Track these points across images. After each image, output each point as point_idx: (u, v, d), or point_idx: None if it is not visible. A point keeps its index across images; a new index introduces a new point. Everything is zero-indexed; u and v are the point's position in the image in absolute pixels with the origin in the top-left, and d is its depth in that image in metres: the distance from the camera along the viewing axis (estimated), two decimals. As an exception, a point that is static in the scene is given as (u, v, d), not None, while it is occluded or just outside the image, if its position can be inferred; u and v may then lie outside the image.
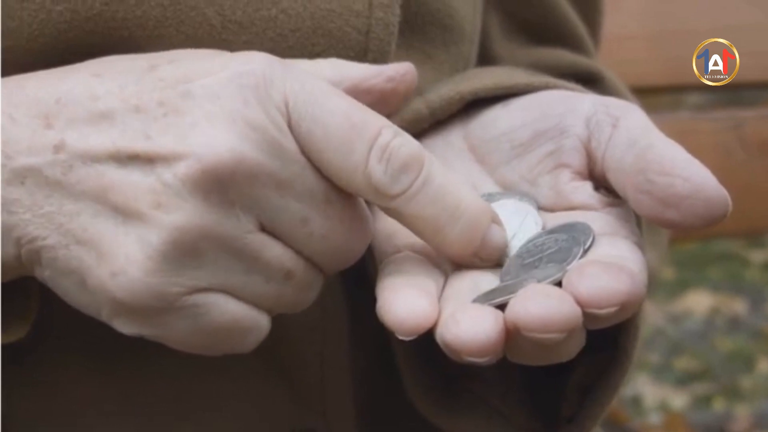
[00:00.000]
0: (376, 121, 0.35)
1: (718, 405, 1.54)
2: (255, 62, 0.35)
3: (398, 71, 0.39)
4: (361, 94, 0.38)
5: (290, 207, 0.35)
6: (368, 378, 0.46)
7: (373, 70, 0.39)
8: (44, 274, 0.35)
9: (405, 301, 0.34)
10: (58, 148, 0.34)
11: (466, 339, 0.32)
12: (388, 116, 0.37)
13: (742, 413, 1.51)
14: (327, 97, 0.35)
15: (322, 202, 0.35)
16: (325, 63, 0.40)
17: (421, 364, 0.41)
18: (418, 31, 0.46)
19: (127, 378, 0.43)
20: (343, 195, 0.36)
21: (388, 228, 0.39)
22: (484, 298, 0.34)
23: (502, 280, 0.36)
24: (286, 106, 0.35)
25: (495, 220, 0.37)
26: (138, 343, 0.41)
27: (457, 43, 0.47)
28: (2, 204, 0.34)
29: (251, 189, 0.34)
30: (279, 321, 0.38)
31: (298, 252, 0.36)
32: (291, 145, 0.35)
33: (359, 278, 0.41)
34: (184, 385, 0.43)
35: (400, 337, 0.34)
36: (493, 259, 0.37)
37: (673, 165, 0.34)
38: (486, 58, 0.52)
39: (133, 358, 0.42)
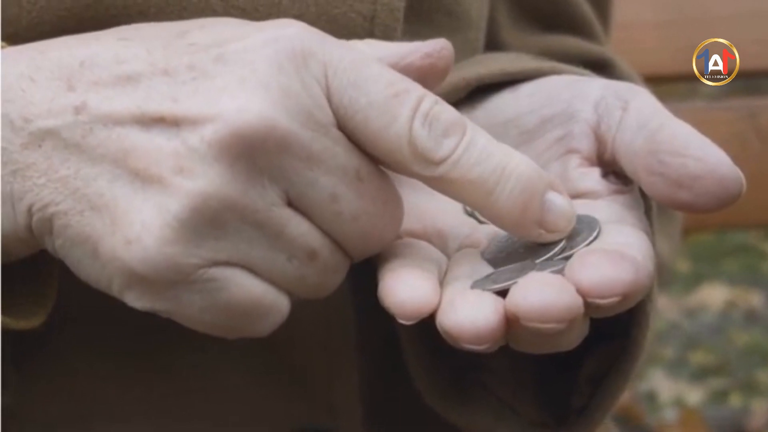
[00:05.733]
0: (417, 89, 0.34)
1: (735, 400, 1.54)
2: (292, 28, 0.34)
3: (435, 47, 0.37)
4: (400, 72, 0.36)
5: (320, 182, 0.33)
6: (376, 374, 0.46)
7: (409, 48, 0.37)
8: (55, 244, 0.34)
9: (406, 284, 0.34)
10: (78, 109, 0.33)
11: (465, 326, 0.32)
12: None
13: (760, 408, 1.50)
14: (369, 65, 0.34)
15: (354, 180, 0.34)
16: (361, 43, 0.38)
17: (429, 357, 0.41)
18: (425, 18, 0.45)
19: (136, 376, 0.43)
20: (376, 174, 0.35)
21: None
22: (484, 284, 0.34)
23: (501, 265, 0.36)
24: (326, 75, 0.33)
25: (554, 187, 0.35)
26: (144, 343, 0.41)
27: (463, 30, 0.46)
28: (18, 169, 0.33)
29: (280, 159, 0.33)
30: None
31: (326, 232, 0.34)
32: (325, 116, 0.33)
33: (365, 270, 0.41)
34: (190, 383, 0.43)
35: (401, 321, 0.33)
36: (559, 230, 0.35)
37: (686, 145, 0.34)
38: (494, 46, 0.51)
39: (142, 355, 0.42)
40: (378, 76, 0.33)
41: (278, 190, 0.33)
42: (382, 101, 0.33)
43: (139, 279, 0.33)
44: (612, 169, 0.38)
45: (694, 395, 1.54)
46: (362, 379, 0.46)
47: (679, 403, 1.53)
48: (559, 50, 0.50)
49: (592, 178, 0.38)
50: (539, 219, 0.34)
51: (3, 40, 0.37)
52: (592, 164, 0.38)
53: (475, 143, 0.34)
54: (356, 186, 0.34)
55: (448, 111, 0.34)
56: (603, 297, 0.32)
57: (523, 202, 0.34)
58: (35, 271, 0.36)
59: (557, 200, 0.35)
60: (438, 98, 0.34)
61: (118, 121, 0.33)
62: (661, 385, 1.55)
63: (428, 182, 0.34)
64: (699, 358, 1.62)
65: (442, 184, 0.34)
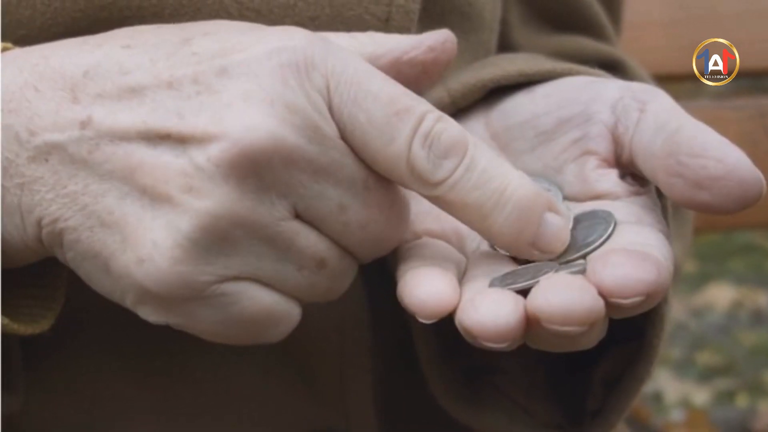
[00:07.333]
0: (420, 106, 0.34)
1: (742, 400, 1.53)
2: (295, 39, 0.33)
3: (438, 40, 0.37)
4: (404, 66, 0.37)
5: (328, 194, 0.34)
6: (389, 376, 0.46)
7: (413, 41, 0.37)
8: (66, 256, 0.34)
9: (426, 283, 0.34)
10: (84, 124, 0.33)
11: (486, 324, 0.32)
12: (431, 86, 0.36)
13: (767, 409, 1.49)
14: (370, 80, 0.33)
15: (361, 189, 0.34)
16: (364, 37, 0.38)
17: (443, 358, 0.41)
18: (438, 19, 0.45)
19: (148, 377, 0.43)
20: (382, 182, 0.35)
21: None
22: (503, 281, 0.34)
23: (521, 262, 0.36)
24: (328, 88, 0.33)
25: (552, 208, 0.35)
26: (158, 344, 0.41)
27: (476, 31, 0.46)
28: (25, 183, 0.33)
29: (288, 175, 0.33)
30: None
31: (334, 241, 0.35)
32: (331, 130, 0.33)
33: (379, 273, 0.41)
34: (204, 384, 0.43)
35: (421, 320, 0.33)
36: (552, 250, 0.35)
37: (705, 146, 0.34)
38: (506, 46, 0.51)
39: (155, 357, 0.42)
40: (379, 93, 0.33)
41: (286, 204, 0.33)
42: (382, 119, 0.33)
43: (152, 296, 0.33)
44: (629, 171, 0.38)
45: (701, 396, 1.54)
46: (375, 382, 0.46)
47: (685, 403, 1.53)
48: (571, 50, 0.50)
49: (609, 179, 0.38)
50: (534, 240, 0.35)
51: (16, 42, 0.37)
52: (609, 166, 0.38)
53: (476, 165, 0.34)
54: (363, 195, 0.34)
55: (450, 129, 0.34)
56: (626, 297, 0.32)
57: (519, 227, 0.34)
58: (43, 274, 0.36)
59: (553, 221, 0.35)
60: (441, 115, 0.34)
61: (124, 136, 0.33)
62: (668, 386, 1.54)
63: (428, 199, 0.35)
64: (705, 358, 1.62)
65: (439, 203, 0.34)
